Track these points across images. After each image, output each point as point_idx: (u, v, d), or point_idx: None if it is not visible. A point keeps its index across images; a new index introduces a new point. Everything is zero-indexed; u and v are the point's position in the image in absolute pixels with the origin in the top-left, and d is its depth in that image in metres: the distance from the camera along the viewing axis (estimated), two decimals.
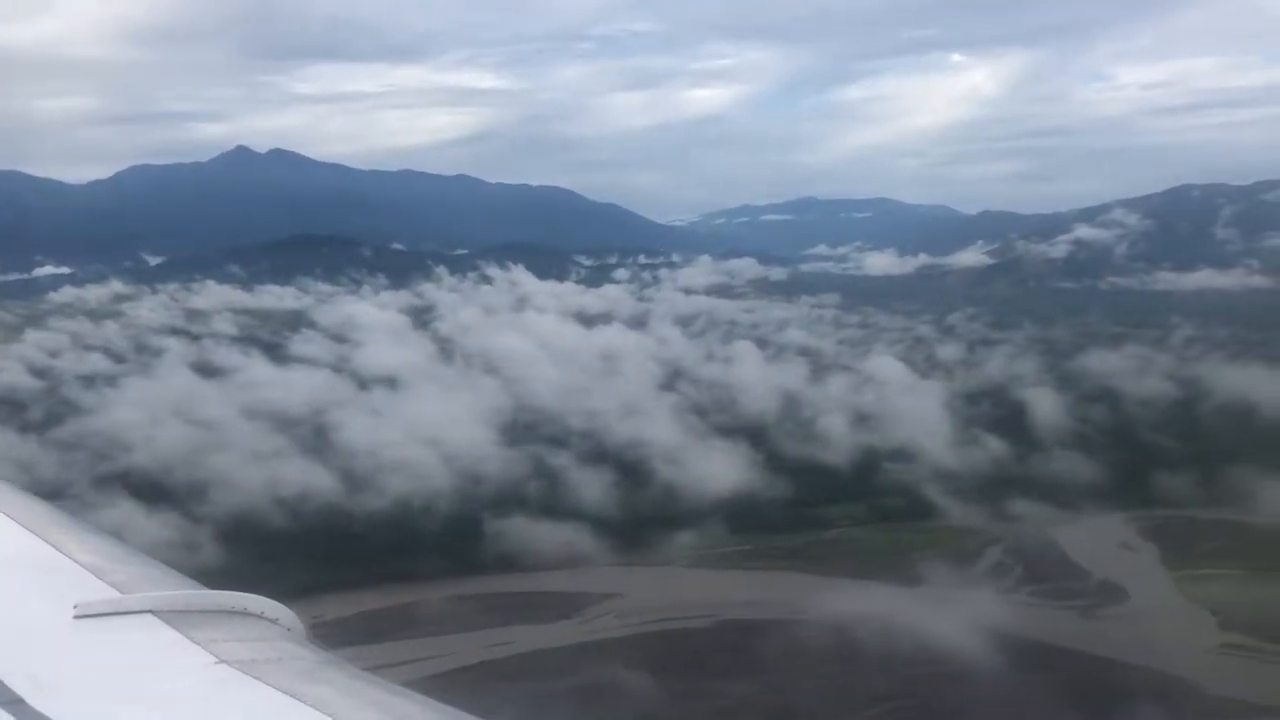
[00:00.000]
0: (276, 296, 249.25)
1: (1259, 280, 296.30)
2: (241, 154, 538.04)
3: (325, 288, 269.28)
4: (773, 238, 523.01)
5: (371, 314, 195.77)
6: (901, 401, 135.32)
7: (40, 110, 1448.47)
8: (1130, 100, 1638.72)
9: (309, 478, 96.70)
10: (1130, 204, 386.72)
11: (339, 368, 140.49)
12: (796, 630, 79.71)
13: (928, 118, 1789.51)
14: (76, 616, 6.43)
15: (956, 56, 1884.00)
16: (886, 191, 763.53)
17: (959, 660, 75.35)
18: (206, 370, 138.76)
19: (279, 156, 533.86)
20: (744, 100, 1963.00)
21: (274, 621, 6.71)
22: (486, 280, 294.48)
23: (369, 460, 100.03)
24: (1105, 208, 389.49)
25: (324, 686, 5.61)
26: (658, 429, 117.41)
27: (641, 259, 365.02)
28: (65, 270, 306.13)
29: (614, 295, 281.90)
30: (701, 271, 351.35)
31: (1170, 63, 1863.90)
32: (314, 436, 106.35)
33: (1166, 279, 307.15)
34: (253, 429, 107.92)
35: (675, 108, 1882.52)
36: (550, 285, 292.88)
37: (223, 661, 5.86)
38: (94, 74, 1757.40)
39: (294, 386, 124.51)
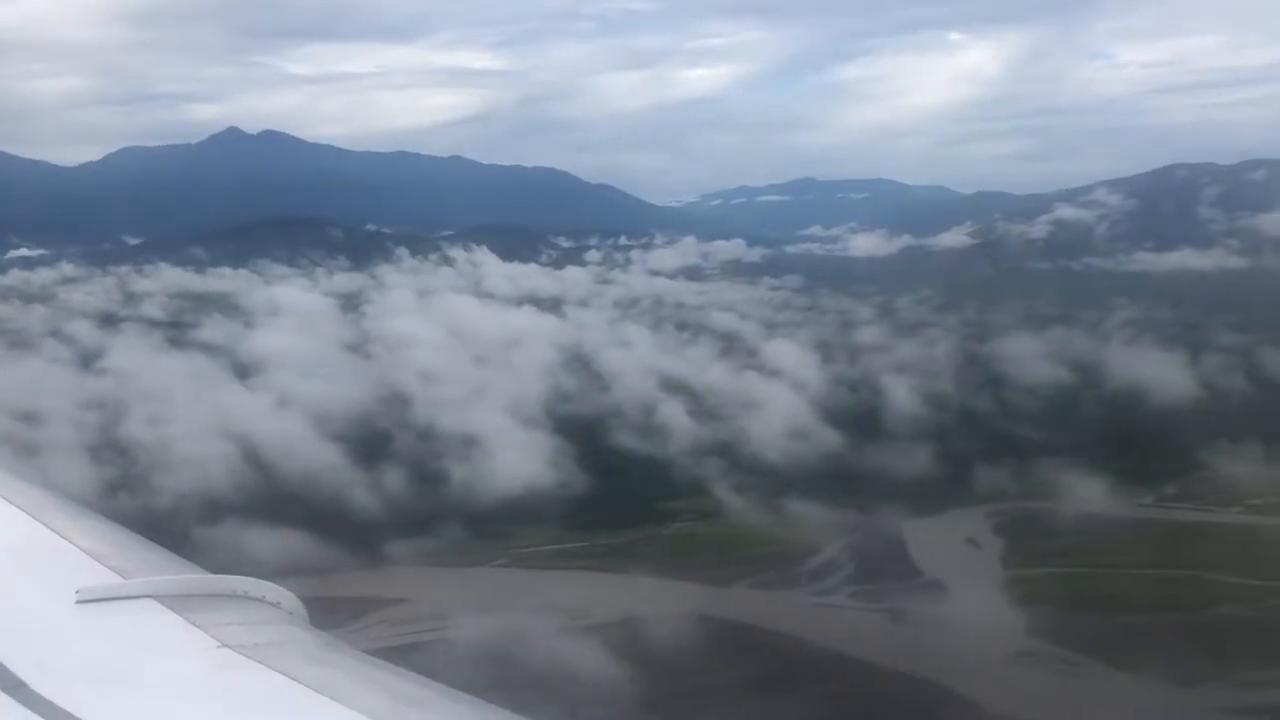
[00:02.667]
0: (227, 279, 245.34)
1: (1234, 261, 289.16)
2: (233, 135, 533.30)
3: (282, 270, 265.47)
4: (768, 219, 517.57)
5: (297, 298, 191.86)
6: (780, 389, 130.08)
7: (31, 91, 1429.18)
8: (1131, 79, 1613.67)
9: (90, 474, 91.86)
10: (1114, 184, 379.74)
11: (221, 354, 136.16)
12: (566, 637, 75.08)
13: (928, 97, 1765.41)
14: (78, 602, 6.39)
15: (954, 35, 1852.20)
16: (886, 172, 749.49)
17: (720, 672, 70.69)
18: (86, 357, 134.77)
19: (270, 138, 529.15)
20: (742, 80, 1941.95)
21: (276, 605, 6.58)
22: (448, 262, 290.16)
23: (169, 455, 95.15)
24: (1089, 188, 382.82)
25: (327, 669, 5.55)
26: (507, 420, 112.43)
27: (623, 240, 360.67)
28: (41, 252, 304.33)
29: (574, 277, 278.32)
30: (677, 253, 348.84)
31: (1172, 41, 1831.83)
32: (125, 429, 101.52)
33: (1144, 260, 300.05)
34: (65, 421, 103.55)
35: (673, 87, 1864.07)
36: (514, 267, 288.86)
37: (225, 645, 5.81)
38: (86, 55, 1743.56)
39: (153, 375, 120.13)
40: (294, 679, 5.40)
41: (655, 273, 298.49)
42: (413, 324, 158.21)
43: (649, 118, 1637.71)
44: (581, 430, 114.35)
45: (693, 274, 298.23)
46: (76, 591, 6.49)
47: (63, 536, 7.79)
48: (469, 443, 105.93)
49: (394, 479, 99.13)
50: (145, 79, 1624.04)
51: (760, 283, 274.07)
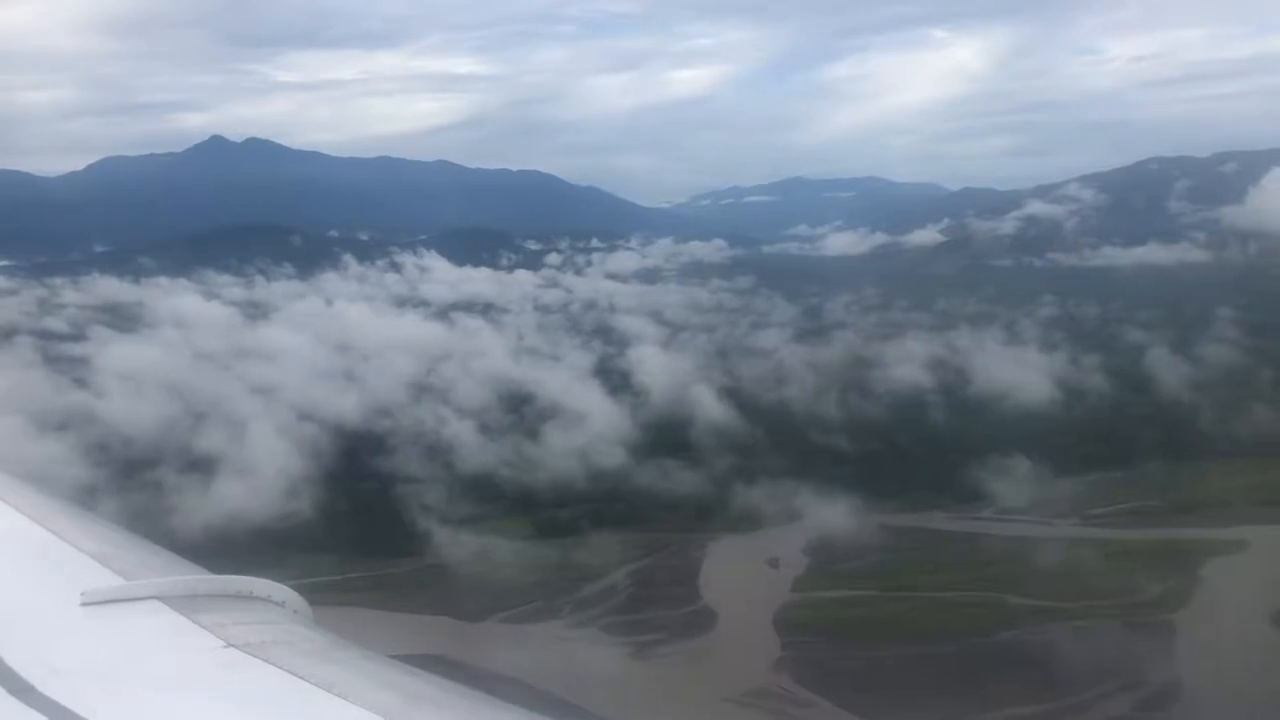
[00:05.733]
0: (157, 289, 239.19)
1: (1196, 255, 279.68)
2: (217, 144, 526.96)
3: (225, 279, 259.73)
4: (755, 219, 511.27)
5: (198, 308, 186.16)
6: (623, 402, 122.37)
7: (16, 103, 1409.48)
8: (1119, 73, 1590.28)
9: None
10: (1087, 179, 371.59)
11: (71, 369, 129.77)
12: None
13: (916, 94, 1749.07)
14: (84, 604, 6.36)
15: (939, 32, 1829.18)
16: (877, 170, 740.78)
17: None
18: None
19: (254, 145, 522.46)
20: (729, 80, 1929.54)
21: (280, 604, 6.55)
22: (395, 268, 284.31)
23: None
24: (1062, 183, 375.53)
25: (332, 667, 5.49)
26: (303, 438, 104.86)
27: (594, 242, 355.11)
28: (6, 263, 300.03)
29: (521, 281, 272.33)
30: (648, 255, 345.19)
31: (1159, 34, 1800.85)
32: None
33: (1110, 255, 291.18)
34: None
35: (660, 89, 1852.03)
36: (465, 272, 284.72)
37: (231, 645, 5.78)
38: (72, 65, 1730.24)
39: None
40: (300, 677, 5.27)
41: (611, 275, 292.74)
42: (287, 335, 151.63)
43: (638, 119, 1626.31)
44: (383, 450, 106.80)
45: (648, 276, 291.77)
46: (81, 594, 6.38)
47: (66, 540, 7.64)
48: (254, 465, 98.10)
49: (149, 504, 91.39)
50: (132, 88, 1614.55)
51: (709, 284, 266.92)
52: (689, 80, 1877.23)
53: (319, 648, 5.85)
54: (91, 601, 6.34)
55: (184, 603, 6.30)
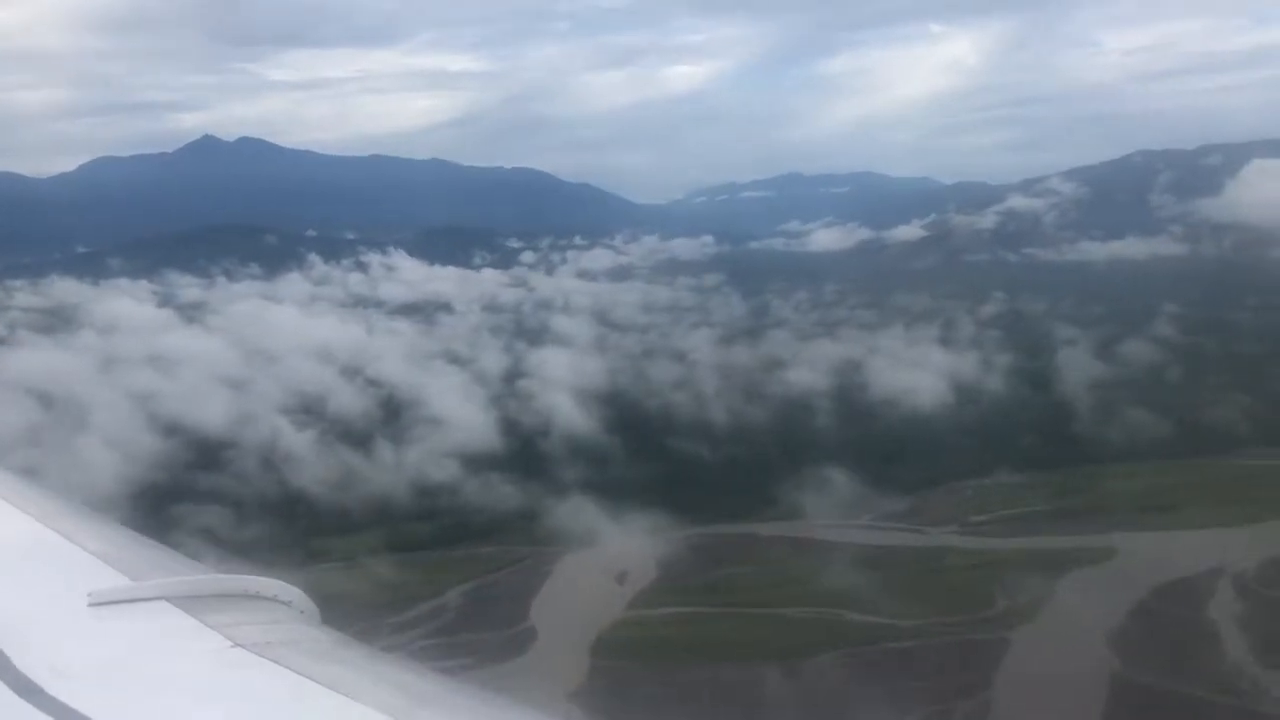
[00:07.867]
0: (120, 292, 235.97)
1: (1172, 248, 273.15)
2: (209, 143, 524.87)
3: (188, 280, 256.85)
4: (750, 215, 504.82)
5: (132, 311, 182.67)
6: (518, 408, 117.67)
7: (8, 103, 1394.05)
8: (1115, 66, 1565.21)
9: None
10: (1071, 173, 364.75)
11: None
12: None
13: (913, 88, 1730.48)
14: (90, 605, 6.29)
15: (936, 26, 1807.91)
16: (874, 165, 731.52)
17: None
18: None
19: (246, 145, 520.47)
20: (725, 76, 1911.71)
21: (288, 604, 6.45)
22: (362, 268, 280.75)
23: None
24: (1046, 177, 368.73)
25: (340, 667, 5.42)
26: (158, 448, 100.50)
27: (577, 240, 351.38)
28: None
29: (484, 279, 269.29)
30: (628, 253, 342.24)
31: (1155, 26, 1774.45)
32: None
33: (1088, 249, 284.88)
34: None
35: (656, 85, 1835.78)
36: (433, 270, 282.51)
37: (238, 645, 5.72)
38: (65, 65, 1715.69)
39: None
40: (308, 677, 5.21)
41: (582, 274, 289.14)
42: (201, 339, 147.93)
43: (634, 115, 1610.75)
44: (225, 463, 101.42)
45: (619, 275, 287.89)
46: (88, 594, 6.33)
47: (72, 540, 7.59)
48: (73, 480, 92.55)
49: None
50: (125, 88, 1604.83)
51: (675, 283, 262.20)
52: (684, 76, 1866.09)
53: (326, 648, 5.64)
54: (98, 602, 6.22)
55: (191, 603, 6.14)
